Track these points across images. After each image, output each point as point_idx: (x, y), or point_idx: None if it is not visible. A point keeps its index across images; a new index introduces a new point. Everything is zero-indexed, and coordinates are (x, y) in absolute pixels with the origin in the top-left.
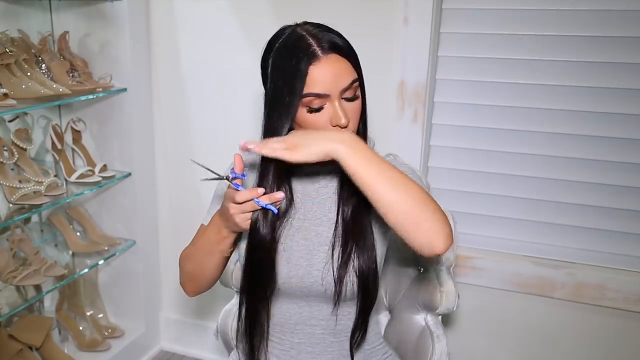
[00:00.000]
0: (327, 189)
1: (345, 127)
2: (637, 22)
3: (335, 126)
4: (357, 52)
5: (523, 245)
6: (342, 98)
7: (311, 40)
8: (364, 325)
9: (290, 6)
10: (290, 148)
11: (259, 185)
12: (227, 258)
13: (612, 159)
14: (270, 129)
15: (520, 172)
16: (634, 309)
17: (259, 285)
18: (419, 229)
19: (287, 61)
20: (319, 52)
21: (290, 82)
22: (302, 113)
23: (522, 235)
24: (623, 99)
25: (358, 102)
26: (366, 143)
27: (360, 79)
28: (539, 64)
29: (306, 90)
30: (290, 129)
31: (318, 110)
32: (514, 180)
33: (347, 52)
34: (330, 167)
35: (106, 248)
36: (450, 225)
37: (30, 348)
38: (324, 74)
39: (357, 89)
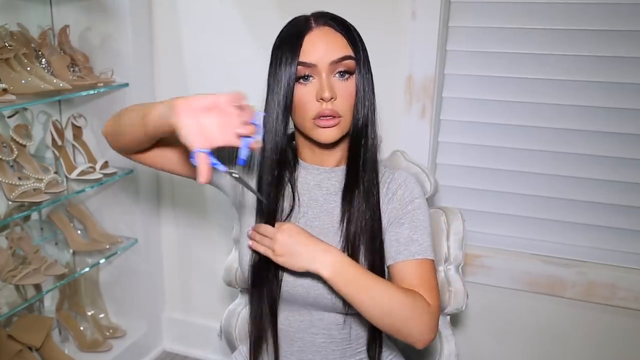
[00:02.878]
0: (337, 196)
1: (329, 101)
2: None
3: (319, 100)
4: (365, 46)
5: (532, 243)
6: (334, 75)
7: (310, 17)
8: (379, 335)
9: None
10: (278, 253)
11: (258, 189)
12: (151, 140)
13: (624, 156)
14: (270, 102)
15: (530, 168)
16: None
17: (263, 291)
18: (400, 335)
19: (287, 36)
20: (313, 24)
21: (287, 55)
22: (295, 88)
23: (531, 233)
24: (635, 94)
25: (351, 83)
26: (375, 138)
27: (358, 59)
28: (549, 58)
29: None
30: (290, 105)
31: (306, 79)
32: (523, 177)
33: (343, 27)
34: (336, 172)
35: (107, 246)
36: (432, 316)
37: (30, 349)
38: (313, 43)
39: (351, 68)
